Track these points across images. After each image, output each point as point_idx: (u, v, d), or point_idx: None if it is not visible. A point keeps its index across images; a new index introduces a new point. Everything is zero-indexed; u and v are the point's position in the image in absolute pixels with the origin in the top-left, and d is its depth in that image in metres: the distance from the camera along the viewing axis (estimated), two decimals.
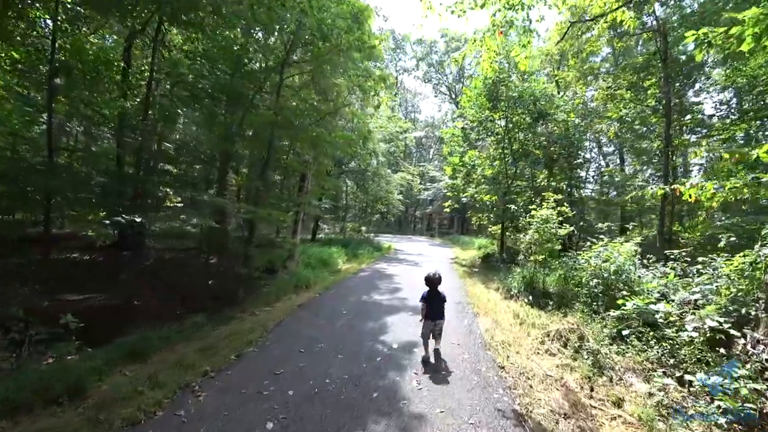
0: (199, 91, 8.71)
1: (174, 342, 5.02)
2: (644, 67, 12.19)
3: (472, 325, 6.19)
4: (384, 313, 6.61)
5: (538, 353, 5.33)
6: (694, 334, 4.62)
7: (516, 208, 9.56)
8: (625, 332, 5.49)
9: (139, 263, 7.76)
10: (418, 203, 43.78)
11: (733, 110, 14.91)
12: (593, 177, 21.26)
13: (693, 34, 5.88)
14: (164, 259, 8.57)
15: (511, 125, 14.78)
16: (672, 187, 4.58)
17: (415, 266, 13.17)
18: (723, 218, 11.84)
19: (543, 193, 8.77)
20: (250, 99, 8.63)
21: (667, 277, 6.87)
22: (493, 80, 14.39)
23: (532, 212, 8.64)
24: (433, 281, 4.87)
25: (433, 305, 4.78)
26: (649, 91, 13.68)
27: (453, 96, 44.49)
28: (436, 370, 4.37)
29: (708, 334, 4.69)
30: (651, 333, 5.15)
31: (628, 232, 16.85)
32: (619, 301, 5.82)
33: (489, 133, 14.95)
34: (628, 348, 5.28)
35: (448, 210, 17.00)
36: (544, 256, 8.53)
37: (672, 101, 12.13)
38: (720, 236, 6.74)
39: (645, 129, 15.48)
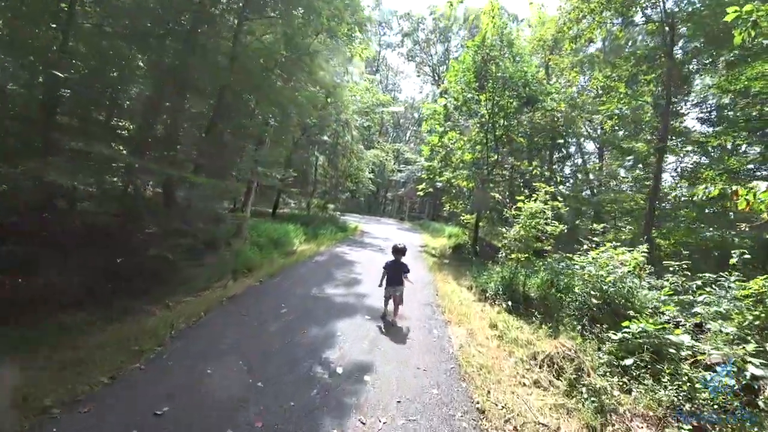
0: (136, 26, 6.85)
1: (36, 348, 3.49)
2: (649, 58, 11.15)
3: (443, 339, 4.97)
4: (334, 315, 5.26)
5: (524, 384, 4.18)
6: (731, 382, 3.57)
7: (499, 197, 8.35)
8: (627, 361, 4.43)
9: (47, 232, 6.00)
10: (390, 184, 42.44)
11: (714, 120, 14.34)
12: (571, 173, 20.57)
13: (735, 11, 4.75)
14: (84, 227, 6.80)
15: (496, 109, 13.56)
16: (733, 188, 3.42)
17: (379, 252, 11.88)
18: (711, 229, 11.22)
19: (534, 184, 7.61)
20: (190, 40, 6.86)
21: (661, 292, 5.93)
22: (482, 57, 13.08)
23: (519, 204, 7.48)
24: (397, 251, 5.55)
25: (393, 273, 5.39)
26: (646, 87, 12.79)
27: (436, 77, 42.87)
28: (394, 416, 3.10)
29: (744, 382, 3.68)
30: (667, 369, 4.08)
31: (605, 234, 16.27)
32: (624, 323, 4.76)
33: (472, 114, 13.68)
34: (633, 383, 4.24)
35: (421, 193, 15.75)
36: (527, 256, 7.44)
37: (672, 99, 11.29)
38: (734, 252, 5.79)
39: (634, 127, 14.73)
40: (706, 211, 16.21)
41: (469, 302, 7.24)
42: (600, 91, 16.05)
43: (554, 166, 14.86)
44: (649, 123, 13.32)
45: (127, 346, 3.69)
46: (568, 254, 7.45)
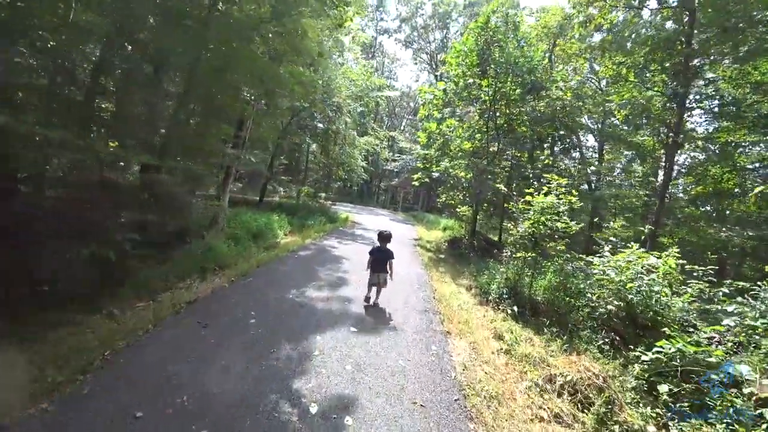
0: None
1: None
2: (669, 43, 10.31)
3: (443, 358, 4.16)
4: (313, 328, 4.40)
5: (542, 419, 3.41)
6: None
7: (504, 189, 7.46)
8: (662, 389, 3.71)
9: None
10: (383, 174, 41.50)
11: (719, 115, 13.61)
12: (572, 167, 19.80)
13: None
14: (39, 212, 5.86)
15: (498, 96, 12.71)
16: None
17: (371, 246, 11.04)
18: (724, 228, 10.57)
19: (545, 176, 6.82)
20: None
21: (683, 298, 5.23)
22: (486, 39, 12.20)
23: (527, 197, 6.69)
24: (383, 237, 5.79)
25: (378, 259, 5.52)
26: (658, 77, 11.97)
27: (434, 65, 41.70)
28: None
29: None
30: (719, 403, 3.34)
31: (603, 230, 15.63)
32: (660, 342, 4.02)
33: (473, 101, 12.81)
34: (670, 415, 3.51)
35: (417, 183, 14.87)
36: (533, 255, 6.67)
37: (689, 88, 10.49)
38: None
39: (642, 119, 13.96)
40: (702, 209, 15.71)
41: (470, 306, 6.47)
42: (607, 82, 15.24)
43: (556, 158, 14.04)
44: (658, 116, 12.54)
45: (41, 374, 2.84)
46: (579, 255, 6.70)
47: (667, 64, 10.68)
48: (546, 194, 6.53)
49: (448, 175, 13.05)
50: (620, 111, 11.37)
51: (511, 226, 6.91)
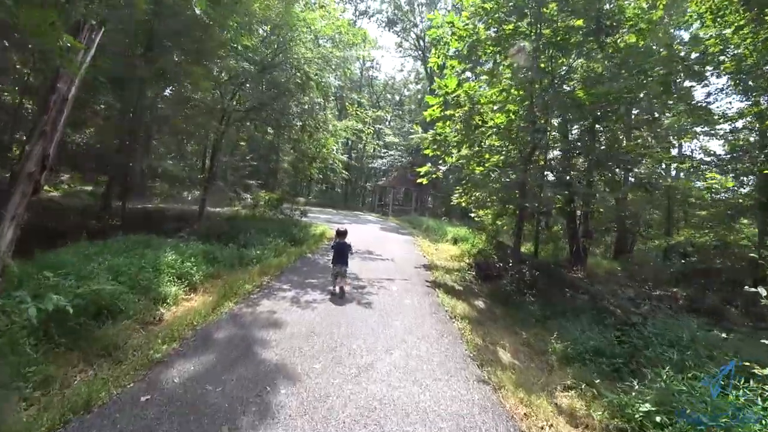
0: None
1: None
2: None
3: None
4: None
5: None
6: None
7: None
8: None
9: None
10: (369, 173, 36.48)
11: None
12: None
13: None
14: None
15: (544, 41, 8.02)
16: None
17: (364, 309, 5.92)
18: None
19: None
20: None
21: None
22: None
23: None
24: (340, 233, 6.45)
25: (339, 253, 6.06)
26: None
27: (420, 51, 36.76)
28: None
29: None
30: None
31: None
32: None
33: (513, 43, 7.97)
34: None
35: (425, 181, 9.84)
36: None
37: None
38: None
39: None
40: None
41: None
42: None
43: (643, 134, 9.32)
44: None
45: None
46: None
47: None
48: None
49: (479, 163, 8.17)
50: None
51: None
